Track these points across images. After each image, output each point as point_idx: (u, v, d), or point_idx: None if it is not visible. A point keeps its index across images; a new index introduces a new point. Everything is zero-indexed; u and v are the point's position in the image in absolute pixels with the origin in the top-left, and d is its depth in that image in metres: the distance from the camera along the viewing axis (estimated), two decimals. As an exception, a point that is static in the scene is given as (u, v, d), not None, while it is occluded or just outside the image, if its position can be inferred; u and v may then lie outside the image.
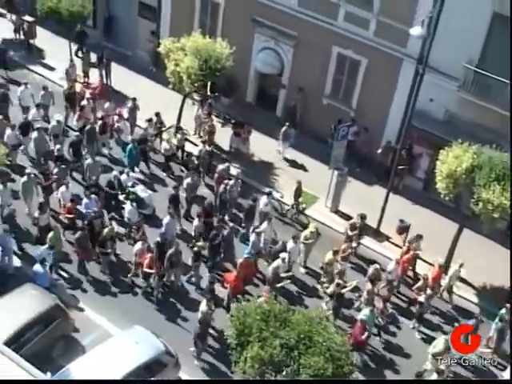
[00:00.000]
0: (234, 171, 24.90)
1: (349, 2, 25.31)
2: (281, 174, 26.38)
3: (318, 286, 21.75)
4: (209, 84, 27.24)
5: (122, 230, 22.57)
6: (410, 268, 22.18)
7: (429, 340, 20.17)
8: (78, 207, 22.19)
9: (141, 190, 23.54)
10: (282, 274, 20.56)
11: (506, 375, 19.58)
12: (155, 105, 27.05)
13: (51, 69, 30.50)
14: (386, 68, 25.26)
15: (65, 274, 21.11)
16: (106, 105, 26.89)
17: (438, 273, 21.16)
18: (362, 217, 22.58)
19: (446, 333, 19.84)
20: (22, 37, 31.65)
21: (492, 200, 19.62)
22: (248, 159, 26.85)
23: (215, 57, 24.90)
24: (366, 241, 23.49)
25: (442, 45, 22.08)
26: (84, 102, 26.84)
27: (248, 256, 20.81)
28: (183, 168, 25.58)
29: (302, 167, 26.80)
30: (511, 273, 20.98)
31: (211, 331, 19.56)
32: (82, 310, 20.08)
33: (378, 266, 21.11)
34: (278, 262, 20.47)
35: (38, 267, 19.54)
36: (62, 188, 22.35)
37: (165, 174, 25.55)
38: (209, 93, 28.13)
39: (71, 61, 29.20)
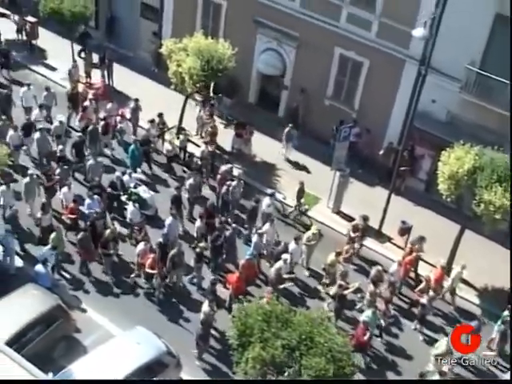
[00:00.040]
0: (236, 172, 24.88)
1: (351, 3, 25.35)
2: (283, 175, 26.37)
3: (320, 287, 21.74)
4: (211, 85, 27.25)
5: (124, 231, 22.58)
6: (412, 269, 22.16)
7: (431, 341, 20.13)
8: (81, 208, 22.16)
9: (143, 191, 23.52)
10: (285, 276, 20.58)
11: (506, 375, 19.58)
12: (157, 105, 27.05)
13: (53, 69, 30.55)
14: (388, 69, 25.26)
15: (67, 275, 21.12)
16: (109, 105, 26.90)
17: (440, 274, 21.10)
18: (364, 218, 22.57)
19: (448, 334, 19.74)
20: (25, 37, 31.73)
21: (494, 201, 19.61)
22: (250, 160, 26.85)
23: (217, 58, 24.88)
24: (368, 242, 23.48)
25: (444, 46, 22.09)
26: (86, 103, 26.88)
27: (250, 257, 20.78)
28: (185, 169, 25.61)
29: (304, 168, 26.78)
30: (511, 274, 20.99)
31: (213, 332, 19.54)
32: (83, 310, 20.07)
33: (380, 267, 21.11)
34: (280, 263, 20.46)
35: (39, 267, 19.56)
36: (65, 189, 22.38)
37: (167, 175, 25.56)
38: (211, 94, 28.15)
39: (74, 61, 29.14)
